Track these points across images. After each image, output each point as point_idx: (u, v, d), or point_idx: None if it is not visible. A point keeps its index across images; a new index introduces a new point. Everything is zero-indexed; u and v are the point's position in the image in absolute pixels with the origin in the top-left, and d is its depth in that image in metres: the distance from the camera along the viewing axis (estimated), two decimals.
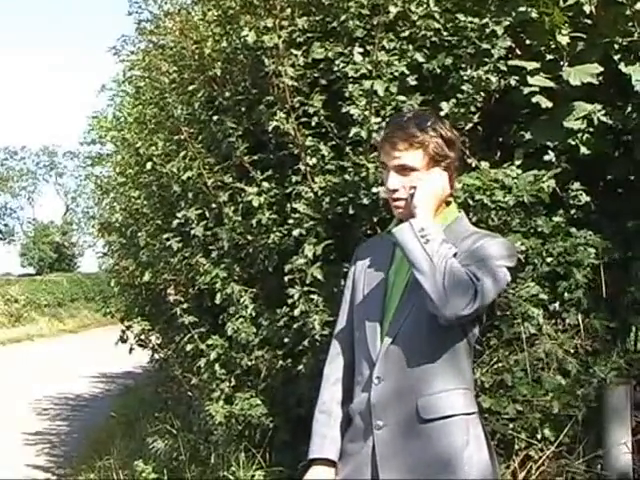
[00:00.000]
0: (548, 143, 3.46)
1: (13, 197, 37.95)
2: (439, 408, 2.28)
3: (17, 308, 25.17)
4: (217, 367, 3.93)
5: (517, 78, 3.34)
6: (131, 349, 5.36)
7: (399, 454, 2.29)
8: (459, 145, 2.46)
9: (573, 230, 3.44)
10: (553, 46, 3.50)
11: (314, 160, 3.42)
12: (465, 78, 3.26)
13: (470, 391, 2.37)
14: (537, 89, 3.43)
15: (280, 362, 3.72)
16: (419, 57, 3.37)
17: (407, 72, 3.34)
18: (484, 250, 2.28)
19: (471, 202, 3.26)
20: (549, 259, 3.38)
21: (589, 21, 3.50)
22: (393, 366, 2.32)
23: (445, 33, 3.45)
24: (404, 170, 2.33)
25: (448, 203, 2.46)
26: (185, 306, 4.10)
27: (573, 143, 3.45)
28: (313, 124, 3.41)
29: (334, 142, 3.44)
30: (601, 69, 3.33)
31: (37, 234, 39.04)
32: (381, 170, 2.41)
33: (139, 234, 4.72)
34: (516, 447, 3.49)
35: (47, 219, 40.18)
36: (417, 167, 2.32)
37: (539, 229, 3.42)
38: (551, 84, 3.41)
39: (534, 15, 3.38)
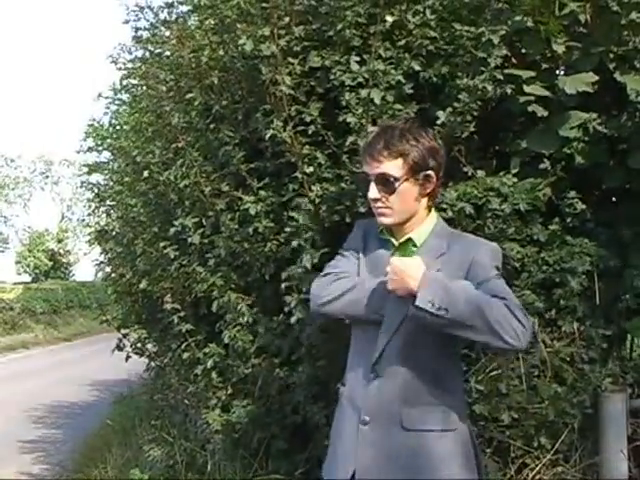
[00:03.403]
0: (544, 151, 3.47)
1: (8, 205, 37.85)
2: (421, 421, 2.33)
3: (12, 316, 25.07)
4: (214, 375, 3.94)
5: (513, 87, 3.35)
6: (127, 357, 5.35)
7: (378, 458, 2.34)
8: (442, 153, 2.46)
9: (569, 238, 3.45)
10: (549, 55, 3.52)
11: (311, 168, 3.42)
12: (461, 87, 3.27)
13: (454, 409, 2.38)
14: (533, 98, 3.45)
15: (277, 370, 3.72)
16: (415, 66, 3.38)
17: (403, 81, 3.35)
18: (485, 262, 2.36)
19: (467, 210, 3.27)
20: (545, 267, 3.40)
21: (584, 30, 3.53)
22: (389, 365, 2.35)
23: (441, 42, 3.47)
24: (384, 179, 2.36)
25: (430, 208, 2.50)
26: (182, 314, 4.10)
27: (569, 152, 3.47)
28: (310, 132, 3.42)
29: (331, 150, 3.44)
30: (596, 78, 3.35)
31: (32, 242, 38.95)
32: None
33: (136, 242, 4.72)
34: (512, 455, 3.50)
35: (42, 227, 40.04)
36: (397, 176, 2.35)
37: (535, 237, 3.43)
38: (547, 93, 3.43)
39: (530, 24, 3.40)
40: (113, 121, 7.30)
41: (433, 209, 2.52)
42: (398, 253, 2.43)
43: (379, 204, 2.40)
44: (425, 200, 2.43)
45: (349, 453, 2.38)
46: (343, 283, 2.43)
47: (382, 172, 2.36)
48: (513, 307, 2.20)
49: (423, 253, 2.38)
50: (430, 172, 2.38)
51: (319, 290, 2.47)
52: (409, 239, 2.44)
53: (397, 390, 2.34)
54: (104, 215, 6.71)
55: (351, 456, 2.37)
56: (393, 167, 2.35)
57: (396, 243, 2.45)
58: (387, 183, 2.36)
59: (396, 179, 2.35)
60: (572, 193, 3.43)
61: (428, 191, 2.41)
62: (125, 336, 5.45)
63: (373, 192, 2.39)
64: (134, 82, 5.96)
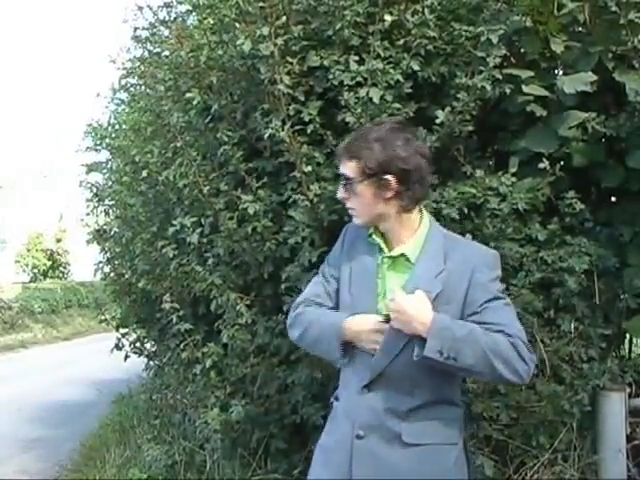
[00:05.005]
0: (542, 151, 3.47)
1: (7, 204, 37.77)
2: (422, 435, 2.30)
3: (11, 315, 25.01)
4: (212, 374, 3.93)
5: (512, 86, 3.36)
6: (126, 356, 5.36)
7: (376, 469, 2.30)
8: (406, 158, 2.31)
9: (567, 238, 3.45)
10: (547, 54, 3.53)
11: (309, 168, 3.42)
12: (460, 86, 3.27)
13: (457, 421, 2.38)
14: (532, 97, 3.45)
15: (275, 370, 3.73)
16: (414, 65, 3.38)
17: (402, 80, 3.35)
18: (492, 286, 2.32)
19: (466, 210, 3.28)
20: (544, 266, 3.40)
21: (583, 30, 3.53)
22: (384, 382, 2.32)
23: (440, 41, 3.47)
24: (345, 179, 2.39)
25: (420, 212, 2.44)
26: (181, 313, 4.09)
27: (567, 151, 3.47)
28: (308, 132, 3.42)
29: (329, 149, 3.44)
30: (595, 77, 3.35)
31: (31, 241, 38.89)
32: None
33: (135, 241, 4.72)
34: (510, 454, 3.50)
35: (41, 226, 39.99)
36: (351, 177, 2.36)
37: (534, 236, 3.43)
38: (545, 92, 3.43)
39: (529, 24, 3.41)
40: (112, 120, 7.27)
41: (425, 214, 2.45)
42: (386, 264, 2.39)
43: (348, 204, 2.43)
44: (391, 205, 2.35)
45: (344, 465, 2.34)
46: (305, 317, 2.47)
47: (342, 172, 2.40)
48: (519, 345, 2.19)
49: (421, 273, 2.33)
50: (387, 177, 2.30)
51: (290, 322, 2.54)
52: (402, 254, 2.38)
53: (395, 404, 2.30)
54: (103, 214, 6.69)
55: (345, 468, 2.33)
56: (349, 168, 2.36)
57: (386, 250, 2.40)
58: (346, 184, 2.39)
59: (349, 180, 2.36)
60: (571, 192, 3.43)
61: (388, 196, 2.33)
62: (124, 335, 5.46)
63: (338, 192, 2.44)
64: (133, 81, 5.96)
